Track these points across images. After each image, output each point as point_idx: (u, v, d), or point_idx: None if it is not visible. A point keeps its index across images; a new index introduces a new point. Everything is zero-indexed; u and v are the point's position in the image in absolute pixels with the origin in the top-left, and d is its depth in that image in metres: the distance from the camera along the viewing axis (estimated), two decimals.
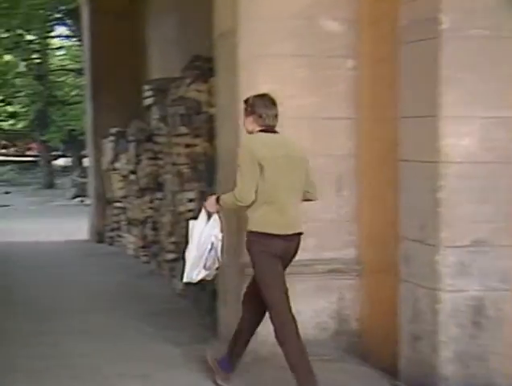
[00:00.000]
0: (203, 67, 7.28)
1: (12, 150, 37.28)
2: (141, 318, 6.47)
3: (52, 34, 27.69)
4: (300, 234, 4.61)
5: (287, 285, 4.55)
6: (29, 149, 36.47)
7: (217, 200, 4.68)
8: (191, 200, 7.39)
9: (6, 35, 25.50)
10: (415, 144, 4.81)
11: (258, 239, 4.52)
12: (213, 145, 6.38)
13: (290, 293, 4.55)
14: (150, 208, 9.07)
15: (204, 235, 4.76)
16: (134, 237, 9.91)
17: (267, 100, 4.68)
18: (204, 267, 4.81)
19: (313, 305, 5.42)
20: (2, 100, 29.46)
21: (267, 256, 4.49)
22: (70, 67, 28.19)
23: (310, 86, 5.48)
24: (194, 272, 4.81)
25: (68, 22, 24.93)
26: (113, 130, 10.84)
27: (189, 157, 7.45)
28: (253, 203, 4.48)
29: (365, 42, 5.47)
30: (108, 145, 11.06)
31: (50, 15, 24.87)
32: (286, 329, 4.47)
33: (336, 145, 5.52)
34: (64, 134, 27.13)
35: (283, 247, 4.53)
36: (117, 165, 10.62)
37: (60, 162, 32.81)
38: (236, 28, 5.39)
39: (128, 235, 10.30)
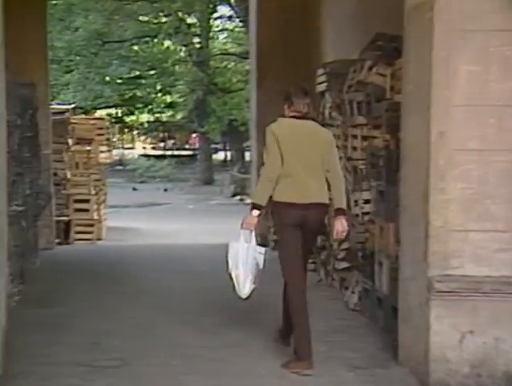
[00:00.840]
0: (386, 48, 7.21)
1: (170, 144, 38.75)
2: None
3: (214, 15, 28.41)
4: (320, 204, 5.71)
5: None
6: (187, 142, 37.76)
7: (253, 208, 5.73)
8: (367, 201, 7.32)
9: (165, 20, 26.45)
10: None
11: (277, 208, 5.73)
12: (396, 138, 6.31)
13: (489, 318, 5.10)
14: None
15: (250, 253, 5.97)
16: None
17: (299, 90, 5.96)
18: (254, 282, 5.95)
19: None
20: (161, 90, 30.62)
21: (285, 227, 5.78)
22: (232, 51, 28.81)
23: None
24: (246, 288, 5.93)
25: (232, 1, 25.41)
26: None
27: (367, 151, 7.35)
28: (278, 178, 5.67)
29: None
30: None
31: None
32: (293, 288, 5.80)
33: None
34: (224, 125, 27.78)
35: (300, 215, 5.67)
36: None
37: (220, 155, 33.77)
38: None
39: None
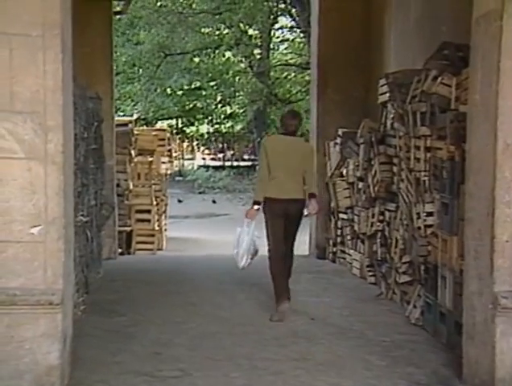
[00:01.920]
0: (453, 57, 7.21)
1: (229, 154, 38.92)
2: (370, 350, 6.42)
3: (275, 26, 28.53)
4: (297, 199, 7.73)
5: None
6: (246, 152, 37.90)
7: (253, 204, 7.79)
8: (430, 214, 7.24)
9: (227, 32, 26.68)
10: None
11: (267, 202, 7.71)
12: (461, 150, 6.29)
13: None
14: (381, 221, 9.02)
15: (250, 236, 7.85)
16: (361, 254, 9.90)
17: (290, 114, 8.32)
18: (251, 258, 7.91)
19: None
20: (221, 101, 30.82)
21: (270, 215, 7.76)
22: (292, 61, 28.89)
23: None
24: (242, 262, 7.90)
25: (294, 11, 25.48)
26: (341, 131, 10.92)
27: (430, 162, 7.29)
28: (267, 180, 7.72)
29: None
30: (334, 149, 11.15)
31: (273, 6, 25.63)
32: (274, 257, 7.75)
33: None
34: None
35: (282, 207, 7.67)
36: (344, 171, 10.67)
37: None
38: (502, 8, 5.17)
39: (353, 251, 10.30)
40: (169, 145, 15.93)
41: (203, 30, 26.56)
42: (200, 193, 30.65)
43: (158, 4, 25.51)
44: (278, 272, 7.76)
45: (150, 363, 5.97)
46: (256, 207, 7.78)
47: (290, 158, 7.69)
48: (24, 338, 5.00)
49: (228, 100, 30.67)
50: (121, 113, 23.86)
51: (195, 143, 40.79)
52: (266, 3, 24.98)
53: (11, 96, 5.04)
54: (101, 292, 8.63)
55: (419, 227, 7.40)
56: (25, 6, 5.02)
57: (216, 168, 35.94)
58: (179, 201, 26.44)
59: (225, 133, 34.80)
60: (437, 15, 8.80)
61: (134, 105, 27.35)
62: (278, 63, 29.54)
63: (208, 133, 36.81)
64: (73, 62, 5.60)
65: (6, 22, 5.01)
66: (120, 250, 12.17)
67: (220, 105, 31.53)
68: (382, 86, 9.07)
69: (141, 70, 26.66)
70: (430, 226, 7.20)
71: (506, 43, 5.17)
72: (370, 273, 9.42)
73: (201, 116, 32.53)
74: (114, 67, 12.59)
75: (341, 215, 10.86)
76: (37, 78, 5.05)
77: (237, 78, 29.25)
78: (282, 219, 7.68)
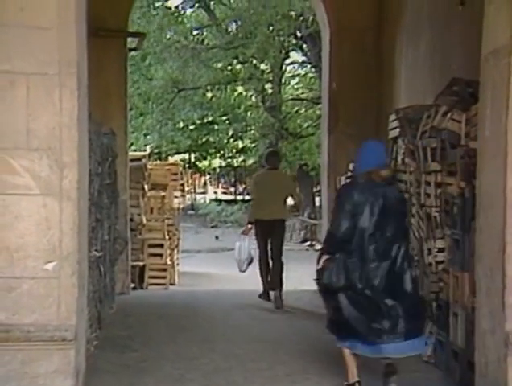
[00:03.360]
0: (462, 93, 7.22)
1: (241, 188, 38.96)
2: None
3: (287, 61, 28.67)
4: (280, 220, 10.55)
5: None
6: None
7: (247, 223, 10.91)
8: (441, 250, 7.20)
9: (239, 67, 26.85)
10: None
11: (257, 222, 10.52)
12: (471, 185, 6.26)
13: None
14: None
15: (246, 247, 10.76)
16: None
17: (271, 153, 11.90)
18: (249, 263, 10.82)
19: None
20: (233, 136, 30.90)
21: (259, 233, 10.61)
22: (304, 96, 28.99)
23: None
24: (243, 267, 10.81)
25: (304, 47, 25.62)
26: (351, 166, 10.78)
27: (441, 198, 7.26)
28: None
29: None
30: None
31: (285, 42, 25.78)
32: (262, 262, 10.65)
33: None
34: (295, 170, 27.85)
35: (267, 226, 10.41)
36: None
37: (289, 201, 33.83)
38: (511, 45, 5.22)
39: None
40: (181, 179, 15.99)
41: (215, 65, 26.69)
42: (212, 227, 30.65)
43: (171, 39, 25.65)
44: (264, 270, 10.67)
45: None
46: (249, 226, 10.81)
47: (274, 188, 10.41)
48: (38, 374, 5.03)
49: (240, 134, 30.75)
50: (134, 147, 23.94)
51: (207, 177, 40.92)
52: (277, 38, 25.11)
53: (28, 133, 5.12)
54: (113, 327, 8.62)
55: (430, 264, 7.35)
56: (42, 44, 5.12)
57: (228, 202, 35.96)
58: (217, 238, 26.16)
59: (237, 167, 34.87)
60: (447, 51, 8.83)
61: (146, 137, 27.47)
62: (290, 97, 29.64)
63: (220, 167, 36.92)
64: (88, 98, 5.68)
65: (23, 60, 5.10)
66: (133, 285, 12.14)
67: (232, 140, 31.62)
68: (393, 121, 8.96)
69: (154, 104, 26.76)
70: (441, 262, 7.14)
71: None
72: None
73: (213, 150, 32.64)
74: (128, 103, 12.64)
75: None
76: (53, 115, 5.13)
77: (248, 112, 29.35)
78: (268, 234, 10.48)
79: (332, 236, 6.21)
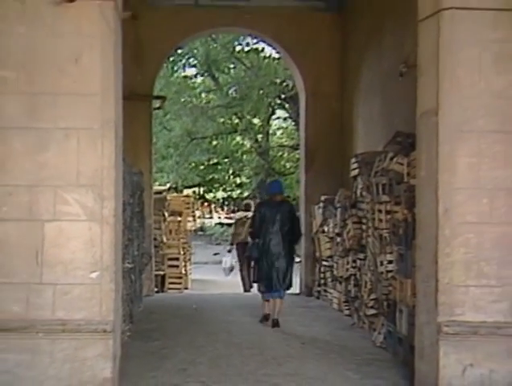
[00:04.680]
0: (404, 143, 7.22)
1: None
2: (346, 367, 6.38)
3: (273, 117, 28.79)
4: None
5: None
6: None
7: (231, 244, 12.62)
8: (390, 262, 7.22)
9: (237, 121, 26.95)
10: None
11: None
12: (412, 213, 6.27)
13: (485, 354, 5.16)
14: (353, 267, 8.93)
15: (230, 261, 12.23)
16: (339, 293, 9.80)
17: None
18: (231, 270, 12.32)
19: (507, 365, 5.16)
20: (232, 173, 30.91)
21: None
22: (286, 143, 29.05)
23: (506, 160, 5.25)
24: (227, 274, 12.41)
25: (287, 106, 25.75)
26: (323, 197, 10.88)
27: (390, 222, 7.29)
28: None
29: None
30: (318, 211, 11.11)
31: (272, 102, 25.92)
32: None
33: None
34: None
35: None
36: (326, 228, 10.60)
37: None
38: (438, 107, 5.28)
39: (333, 290, 10.20)
40: (193, 207, 15.93)
41: (219, 119, 26.75)
42: (216, 244, 30.43)
43: (186, 101, 25.78)
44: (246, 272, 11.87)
45: (179, 377, 5.96)
46: (233, 246, 12.49)
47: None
48: (86, 358, 5.03)
49: (237, 172, 30.75)
50: (157, 183, 23.94)
51: (212, 206, 40.75)
52: (266, 99, 25.17)
53: (78, 173, 5.11)
54: (141, 322, 8.59)
55: (382, 272, 7.37)
56: (89, 107, 5.13)
57: (229, 225, 35.74)
58: (229, 251, 25.51)
59: (236, 198, 34.74)
60: (392, 111, 8.85)
61: (166, 175, 27.46)
62: (276, 144, 29.69)
63: (222, 198, 36.77)
64: (122, 146, 5.66)
65: (75, 119, 5.11)
66: (156, 289, 12.06)
67: (231, 177, 31.55)
68: (353, 163, 9.05)
69: (172, 150, 26.78)
70: (390, 271, 7.17)
71: (441, 133, 5.25)
72: (346, 307, 9.30)
73: (217, 185, 32.53)
74: (152, 149, 12.66)
75: (324, 263, 10.75)
76: (97, 159, 5.12)
77: (244, 156, 29.31)
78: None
79: (251, 231, 8.92)
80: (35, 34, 5.10)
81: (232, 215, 38.76)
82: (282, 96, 24.95)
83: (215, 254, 24.68)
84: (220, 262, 13.84)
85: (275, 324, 8.33)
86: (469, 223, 5.22)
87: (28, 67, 5.10)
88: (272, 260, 8.44)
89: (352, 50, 11.34)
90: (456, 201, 5.22)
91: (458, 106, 5.24)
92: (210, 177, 31.02)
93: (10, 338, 4.98)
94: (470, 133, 5.24)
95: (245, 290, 12.46)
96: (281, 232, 8.48)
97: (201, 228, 33.09)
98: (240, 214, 13.76)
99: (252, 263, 9.06)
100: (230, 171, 30.85)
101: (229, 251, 12.87)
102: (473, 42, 5.22)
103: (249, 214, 11.97)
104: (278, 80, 23.95)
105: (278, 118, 29.78)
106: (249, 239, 9.32)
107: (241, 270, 12.64)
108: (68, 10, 5.07)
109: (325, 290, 10.79)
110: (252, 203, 14.30)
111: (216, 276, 15.06)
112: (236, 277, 13.34)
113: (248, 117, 26.87)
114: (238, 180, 32.01)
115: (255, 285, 9.28)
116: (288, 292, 8.92)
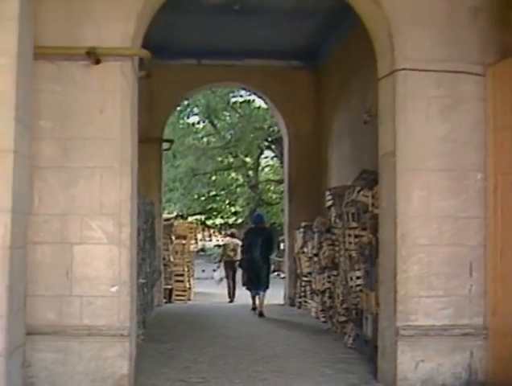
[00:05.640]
0: (369, 178, 7.23)
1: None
2: (323, 364, 6.37)
3: (262, 156, 28.93)
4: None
5: None
6: None
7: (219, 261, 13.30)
8: (358, 277, 7.22)
9: (232, 160, 27.08)
10: None
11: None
12: (376, 237, 6.29)
13: (434, 351, 5.23)
14: (328, 282, 8.89)
15: (219, 274, 12.64)
16: (316, 303, 9.74)
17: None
18: (220, 280, 12.63)
19: (451, 359, 5.22)
20: (228, 203, 30.90)
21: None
22: (273, 178, 29.14)
23: (450, 193, 5.35)
24: (217, 281, 12.62)
25: (273, 147, 25.92)
26: (303, 224, 10.79)
27: (357, 244, 7.30)
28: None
29: (490, 160, 5.30)
30: (299, 235, 11.04)
31: (261, 144, 26.08)
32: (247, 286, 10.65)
33: (469, 238, 5.33)
34: (268, 226, 27.70)
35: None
36: (305, 249, 10.53)
37: None
38: (395, 150, 5.36)
39: (312, 301, 10.14)
40: (195, 232, 15.82)
41: (217, 158, 26.85)
42: (214, 263, 30.20)
43: (190, 143, 25.91)
44: (232, 287, 12.47)
45: (184, 373, 5.93)
46: (222, 263, 13.01)
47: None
48: (107, 357, 5.02)
49: (233, 202, 30.75)
50: (166, 211, 23.89)
51: (212, 231, 40.63)
52: (256, 142, 25.32)
53: (101, 204, 5.10)
54: (153, 327, 8.54)
55: (352, 286, 7.35)
56: (110, 149, 5.14)
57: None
58: (218, 267, 24.92)
59: (232, 224, 34.67)
60: (359, 151, 8.78)
61: (174, 206, 27.46)
62: (264, 179, 29.80)
63: (220, 224, 36.66)
64: (138, 181, 5.63)
65: (99, 159, 5.13)
66: (164, 300, 11.93)
67: (228, 206, 31.55)
68: (328, 195, 9.01)
69: (178, 184, 26.80)
70: (358, 285, 7.15)
71: (398, 171, 5.31)
72: (322, 315, 9.23)
73: (216, 213, 32.52)
74: (162, 183, 12.63)
75: (304, 278, 10.64)
76: (116, 192, 5.11)
77: (238, 189, 29.39)
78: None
79: (242, 249, 10.58)
80: (67, 91, 5.13)
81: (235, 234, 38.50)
82: (270, 138, 25.14)
83: (203, 271, 24.35)
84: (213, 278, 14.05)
85: (261, 314, 9.84)
86: (422, 245, 5.26)
87: (62, 118, 5.13)
88: (256, 269, 10.04)
89: (326, 101, 11.39)
90: (410, 227, 5.26)
91: (411, 149, 5.30)
92: (210, 206, 31.01)
93: (47, 341, 4.98)
94: (421, 171, 5.30)
95: (229, 296, 12.93)
96: (261, 250, 10.10)
97: (202, 249, 32.96)
98: (227, 239, 14.32)
99: (238, 273, 10.92)
100: (226, 202, 30.84)
101: (218, 267, 13.42)
102: (422, 96, 5.31)
103: (234, 240, 13.38)
104: (266, 126, 24.14)
105: (266, 157, 29.89)
106: (241, 254, 11.09)
107: (227, 281, 13.14)
108: (94, 70, 5.12)
109: (305, 301, 10.70)
110: (236, 231, 15.47)
111: (215, 289, 14.96)
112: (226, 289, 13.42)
113: (241, 156, 27.02)
114: (233, 209, 31.98)
115: (236, 295, 12.19)
116: (274, 302, 9.04)
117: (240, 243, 12.16)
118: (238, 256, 12.43)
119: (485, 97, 5.32)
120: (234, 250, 13.10)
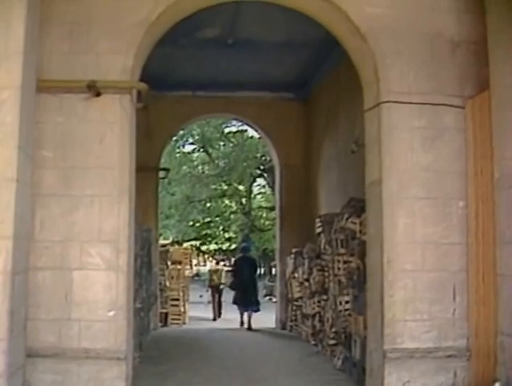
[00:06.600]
0: (357, 206, 7.23)
1: (227, 263, 38.42)
2: (312, 385, 6.35)
3: (255, 184, 29.03)
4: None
5: None
6: None
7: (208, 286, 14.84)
8: (347, 301, 7.20)
9: (226, 188, 27.17)
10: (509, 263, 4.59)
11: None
12: (364, 263, 6.28)
13: (419, 372, 5.22)
14: (318, 306, 8.86)
15: (208, 296, 13.66)
16: (307, 327, 9.68)
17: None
18: (209, 303, 13.65)
19: (435, 380, 5.22)
20: (222, 229, 30.89)
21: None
22: (265, 205, 29.20)
23: (434, 220, 5.38)
24: (207, 306, 13.59)
25: (265, 175, 26.04)
26: (294, 250, 10.75)
27: (346, 270, 7.29)
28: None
29: (471, 188, 5.35)
30: (290, 260, 10.99)
31: (253, 172, 26.20)
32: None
33: (452, 263, 5.35)
34: (260, 251, 27.70)
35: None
36: (296, 274, 10.49)
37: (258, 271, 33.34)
38: (381, 179, 5.39)
39: (302, 325, 10.07)
40: (190, 257, 15.71)
41: (211, 186, 26.94)
42: (209, 287, 29.95)
43: (185, 171, 26.01)
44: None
45: None
46: (209, 288, 14.20)
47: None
48: (105, 378, 4.98)
49: (226, 229, 30.74)
50: (162, 238, 23.81)
51: (206, 256, 40.46)
52: (249, 170, 25.45)
53: (99, 231, 5.10)
54: (149, 349, 8.49)
55: (341, 310, 7.32)
56: (109, 178, 5.16)
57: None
58: (206, 291, 24.63)
59: (225, 249, 34.61)
60: (347, 180, 8.80)
61: (170, 231, 27.40)
62: (257, 206, 29.87)
63: (214, 249, 36.53)
64: (135, 208, 5.62)
65: (98, 187, 5.13)
66: (160, 324, 11.83)
67: (222, 232, 31.52)
68: (318, 222, 9.00)
69: (174, 211, 26.80)
70: (347, 309, 7.12)
71: (384, 199, 5.34)
72: (312, 338, 9.16)
73: (210, 239, 32.45)
74: (158, 210, 12.57)
75: (295, 302, 10.57)
76: (114, 220, 5.11)
77: (231, 215, 29.43)
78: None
79: (233, 273, 11.93)
80: (69, 122, 5.17)
81: (222, 263, 38.41)
82: (262, 167, 25.29)
83: (200, 296, 24.21)
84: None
85: (249, 328, 10.95)
86: (407, 270, 5.26)
87: (63, 147, 5.16)
88: (244, 287, 11.41)
89: (315, 131, 11.44)
90: (396, 253, 5.26)
91: (396, 178, 5.34)
92: (204, 232, 30.95)
93: (47, 362, 4.96)
94: (406, 199, 5.32)
95: (214, 317, 13.98)
96: (248, 274, 11.62)
97: (197, 274, 32.78)
98: (212, 265, 15.24)
99: (225, 295, 12.70)
100: (220, 228, 30.79)
101: (207, 291, 14.89)
102: (405, 128, 5.37)
103: (218, 266, 15.31)
104: (258, 155, 24.33)
105: (258, 185, 30.02)
106: (232, 278, 12.30)
107: (213, 304, 14.24)
108: (95, 102, 5.16)
109: (296, 325, 10.62)
110: (225, 257, 15.69)
111: (208, 313, 14.84)
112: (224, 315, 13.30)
113: (234, 184, 27.12)
114: (227, 235, 31.95)
115: (229, 319, 12.87)
116: (266, 325, 8.98)
117: (224, 269, 14.10)
118: (223, 280, 14.27)
119: (465, 128, 5.39)
120: (219, 275, 14.65)
